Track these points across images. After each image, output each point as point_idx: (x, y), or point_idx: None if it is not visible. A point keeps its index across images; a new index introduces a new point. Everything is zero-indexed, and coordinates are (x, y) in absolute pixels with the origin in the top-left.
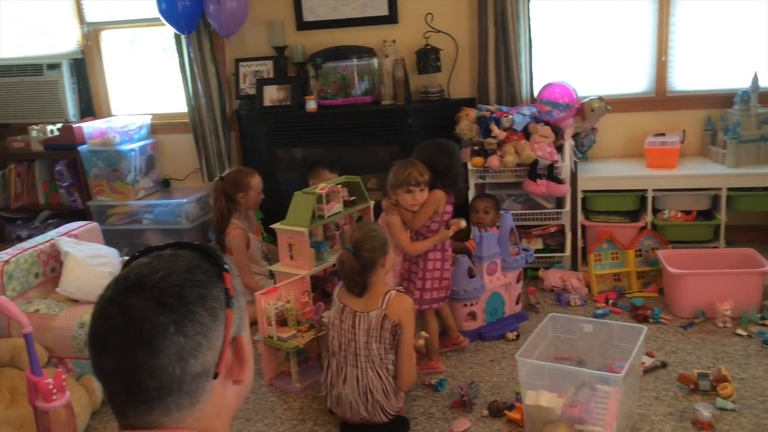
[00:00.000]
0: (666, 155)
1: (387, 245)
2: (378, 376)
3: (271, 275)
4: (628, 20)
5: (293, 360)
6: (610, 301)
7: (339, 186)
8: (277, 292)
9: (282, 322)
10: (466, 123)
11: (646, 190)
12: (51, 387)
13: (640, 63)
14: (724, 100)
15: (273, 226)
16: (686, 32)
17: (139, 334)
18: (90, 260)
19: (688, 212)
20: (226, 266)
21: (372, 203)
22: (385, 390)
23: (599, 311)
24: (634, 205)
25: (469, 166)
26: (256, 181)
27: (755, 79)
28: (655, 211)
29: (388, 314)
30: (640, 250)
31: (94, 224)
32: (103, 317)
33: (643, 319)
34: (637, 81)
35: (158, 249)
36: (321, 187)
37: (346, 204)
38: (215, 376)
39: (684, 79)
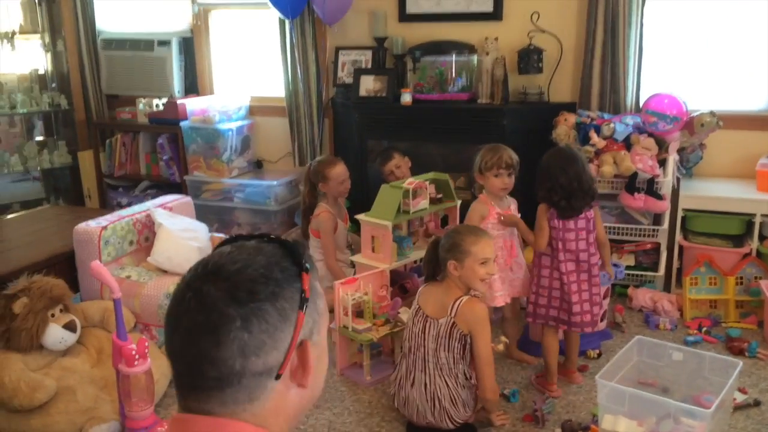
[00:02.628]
0: None
1: (459, 252)
2: (446, 384)
3: (352, 265)
4: (749, 32)
5: (366, 352)
6: (704, 329)
7: (426, 182)
8: (356, 283)
9: (358, 313)
10: (564, 128)
11: (754, 215)
12: (134, 353)
13: (758, 78)
14: None
15: (357, 216)
16: None
17: (206, 322)
18: (181, 233)
19: None
20: (307, 266)
21: (459, 202)
22: (453, 398)
23: (690, 338)
24: (740, 229)
25: None
26: (335, 172)
27: None
28: (762, 238)
29: (457, 322)
30: (741, 278)
31: (187, 198)
32: (179, 299)
33: (738, 352)
34: (754, 97)
35: (245, 238)
36: (408, 182)
37: (433, 201)
38: (278, 377)
39: None
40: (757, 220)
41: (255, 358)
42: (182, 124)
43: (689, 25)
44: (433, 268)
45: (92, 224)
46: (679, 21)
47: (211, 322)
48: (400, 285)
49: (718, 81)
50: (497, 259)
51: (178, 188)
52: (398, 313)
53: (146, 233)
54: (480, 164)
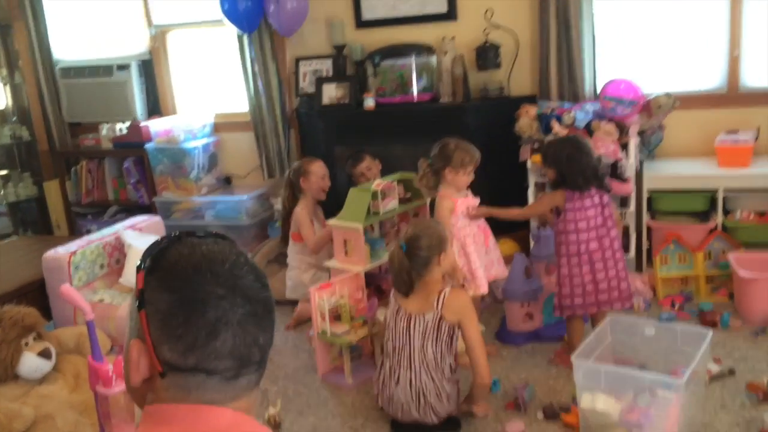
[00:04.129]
0: (738, 153)
1: (444, 242)
2: (432, 379)
3: (327, 270)
4: (698, 13)
5: (346, 355)
6: (677, 305)
7: (394, 183)
8: (332, 287)
9: (336, 317)
10: (526, 120)
11: (716, 190)
12: (111, 373)
13: (710, 58)
14: None
15: (328, 221)
16: (761, 26)
17: (259, 309)
18: None
19: (761, 213)
20: None
21: (428, 200)
22: (438, 393)
23: (665, 315)
24: (704, 205)
25: (529, 164)
26: (316, 167)
27: None
28: (726, 212)
29: (444, 315)
30: (709, 253)
31: (157, 218)
32: (216, 299)
33: (712, 325)
34: (707, 77)
35: (195, 236)
36: (376, 184)
37: (402, 201)
38: None
39: (758, 75)
40: (720, 195)
41: (272, 338)
42: (147, 146)
43: (640, 10)
44: (409, 280)
45: (61, 250)
46: (629, 6)
47: (264, 308)
48: (376, 286)
49: (672, 62)
50: (473, 246)
51: (147, 210)
52: (376, 314)
53: (117, 255)
54: (455, 161)
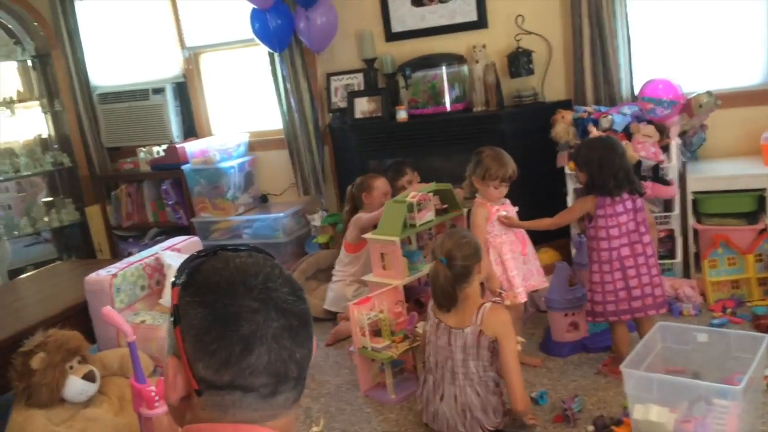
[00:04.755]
0: None
1: (480, 250)
2: (477, 393)
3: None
4: (736, 7)
5: (388, 371)
6: (728, 310)
7: (430, 194)
8: (371, 302)
9: (376, 332)
10: (563, 126)
11: (764, 189)
12: (154, 394)
13: (752, 53)
14: None
15: (365, 236)
16: None
17: (294, 323)
18: None
19: None
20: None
21: (465, 211)
22: (484, 407)
23: (716, 321)
24: (752, 205)
25: (566, 170)
26: (380, 183)
27: None
28: None
29: (483, 330)
30: (760, 255)
31: (195, 238)
32: (250, 313)
33: (766, 329)
34: (749, 73)
35: (230, 250)
36: (412, 196)
37: (438, 212)
38: None
39: None
40: None
41: (310, 354)
42: (184, 167)
43: (674, 7)
44: (454, 294)
45: (102, 273)
46: (663, 4)
47: (300, 322)
48: (415, 299)
49: (711, 60)
50: (509, 254)
51: (186, 232)
52: (416, 327)
53: (157, 276)
54: (484, 172)
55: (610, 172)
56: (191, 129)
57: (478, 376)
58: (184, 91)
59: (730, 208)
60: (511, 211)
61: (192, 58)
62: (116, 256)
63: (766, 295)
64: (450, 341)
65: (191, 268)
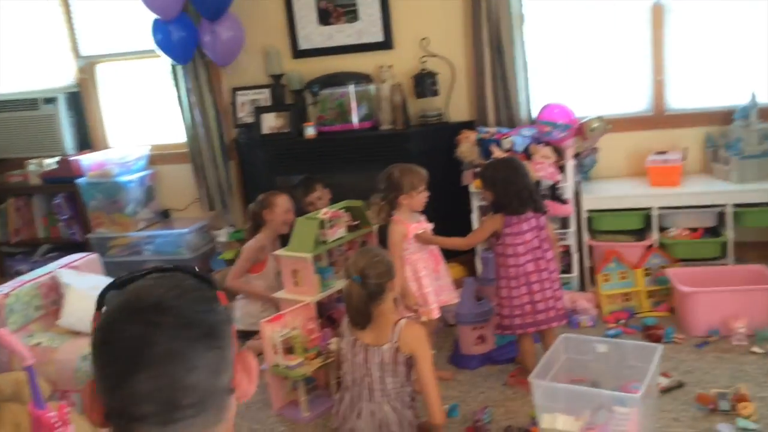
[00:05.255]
0: (669, 173)
1: (393, 268)
2: (393, 409)
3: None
4: (624, 39)
5: (301, 388)
6: (621, 321)
7: (341, 211)
8: (283, 319)
9: (289, 349)
10: (467, 145)
11: (650, 209)
12: (54, 420)
13: (637, 82)
14: (721, 117)
15: (276, 252)
16: (681, 50)
17: (174, 350)
18: (91, 291)
19: (694, 230)
20: (214, 283)
21: (375, 227)
22: (401, 422)
23: (611, 332)
24: (640, 223)
25: (471, 189)
26: (281, 200)
27: (753, 96)
28: (662, 230)
29: (400, 346)
30: (648, 269)
31: (94, 255)
32: (129, 339)
33: (656, 339)
34: (635, 100)
35: (147, 273)
36: (324, 212)
37: (350, 229)
38: (231, 390)
39: (681, 97)
40: (655, 213)
41: (222, 376)
42: (79, 181)
43: (569, 36)
44: (368, 312)
45: None
46: (559, 32)
47: (180, 348)
48: (327, 316)
49: (602, 87)
50: (425, 271)
51: (81, 248)
52: (329, 343)
53: (53, 296)
54: (405, 186)
55: (515, 191)
56: (86, 141)
57: (395, 392)
58: (79, 101)
59: (621, 225)
60: (427, 228)
61: (87, 68)
62: (4, 273)
63: (655, 307)
64: (367, 358)
65: (101, 292)
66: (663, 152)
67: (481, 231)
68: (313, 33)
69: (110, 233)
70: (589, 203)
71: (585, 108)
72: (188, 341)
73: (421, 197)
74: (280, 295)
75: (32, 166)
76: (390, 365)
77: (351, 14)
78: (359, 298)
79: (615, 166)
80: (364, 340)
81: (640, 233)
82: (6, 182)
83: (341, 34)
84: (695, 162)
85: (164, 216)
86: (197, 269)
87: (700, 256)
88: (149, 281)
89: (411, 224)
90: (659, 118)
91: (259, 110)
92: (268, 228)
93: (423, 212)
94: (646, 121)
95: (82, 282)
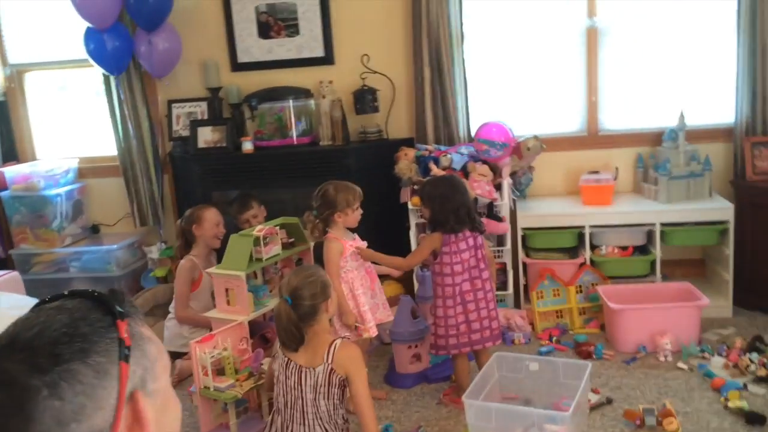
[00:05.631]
0: (601, 192)
1: (328, 288)
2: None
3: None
4: (560, 62)
5: (231, 411)
6: (554, 338)
7: (277, 228)
8: (214, 339)
9: (219, 371)
10: (405, 162)
11: (583, 227)
12: None
13: (572, 103)
14: (652, 138)
15: (208, 270)
16: (615, 72)
17: (9, 401)
18: (7, 312)
19: (624, 248)
20: (123, 311)
21: (312, 244)
22: None
23: (543, 349)
24: (573, 241)
25: (409, 206)
26: (210, 214)
27: (681, 118)
28: (593, 247)
29: (334, 368)
30: (580, 287)
31: (14, 273)
32: None
33: (587, 356)
34: (570, 120)
35: (46, 302)
36: (258, 229)
37: (285, 246)
38: None
39: (614, 119)
40: (587, 231)
41: (76, 425)
42: (2, 194)
43: (508, 56)
44: (299, 334)
45: None
46: (497, 54)
47: (15, 399)
48: (261, 335)
49: (538, 107)
50: (361, 289)
51: (3, 264)
52: (261, 364)
53: None
54: (340, 204)
55: (452, 208)
56: (11, 152)
57: (328, 414)
58: (5, 111)
59: (555, 243)
60: (362, 245)
61: (15, 76)
62: None
63: (586, 324)
64: (300, 380)
65: None
66: (595, 172)
67: (421, 251)
68: (252, 46)
69: (34, 249)
70: (524, 221)
71: (522, 127)
72: (29, 392)
73: (356, 215)
74: (211, 314)
75: None
76: (324, 387)
77: (292, 28)
78: (288, 319)
79: (550, 184)
80: (297, 361)
81: (573, 251)
82: None
83: (282, 48)
84: (627, 182)
85: (94, 231)
86: (110, 294)
87: (629, 273)
88: (29, 313)
89: (347, 241)
90: (593, 138)
91: (195, 123)
92: (199, 244)
93: (356, 230)
94: (580, 141)
95: (1, 301)
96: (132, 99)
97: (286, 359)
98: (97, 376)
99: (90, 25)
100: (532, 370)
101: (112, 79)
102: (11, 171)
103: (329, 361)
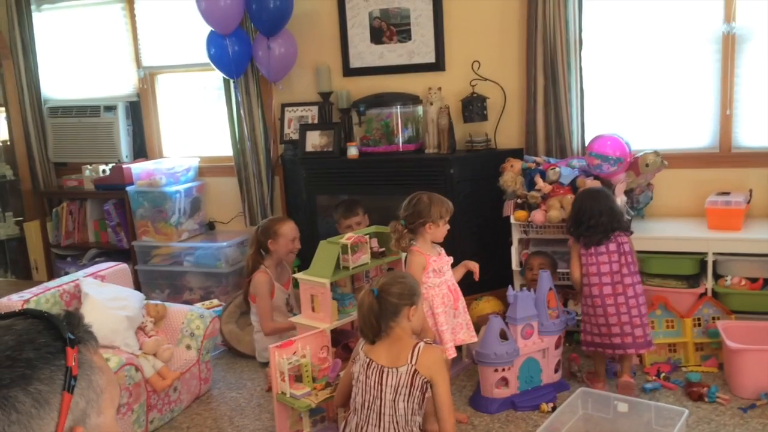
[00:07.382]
0: (729, 216)
1: (416, 296)
2: None
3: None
4: (690, 71)
5: (306, 419)
6: (663, 375)
7: (367, 236)
8: (293, 345)
9: (297, 378)
10: (511, 174)
11: (706, 254)
12: None
13: (702, 116)
14: None
15: (295, 275)
16: (754, 85)
17: None
18: (108, 303)
19: (754, 280)
20: (74, 338)
21: (404, 255)
22: None
23: (648, 386)
24: (693, 269)
25: (512, 220)
26: (286, 229)
27: None
28: (717, 277)
29: (418, 369)
30: (698, 319)
31: (123, 266)
32: None
33: (698, 398)
34: (699, 135)
35: (2, 318)
36: (347, 237)
37: (375, 255)
38: None
39: (751, 135)
40: (710, 259)
41: None
42: (128, 188)
43: (629, 65)
44: (377, 325)
45: (14, 298)
46: (618, 60)
47: None
48: (344, 344)
49: (663, 119)
50: (441, 308)
51: (126, 255)
52: (339, 375)
53: (75, 304)
54: (433, 215)
55: (588, 217)
56: (142, 149)
57: (405, 418)
58: (137, 110)
59: (672, 269)
60: (446, 261)
61: (147, 78)
62: (53, 274)
63: (703, 361)
64: (381, 380)
65: None
66: (725, 193)
67: (574, 262)
68: (364, 51)
69: (154, 242)
70: (639, 243)
71: (642, 141)
72: None
73: (444, 228)
74: (296, 320)
75: (87, 171)
76: (405, 388)
77: (404, 34)
78: (371, 309)
79: (673, 204)
80: (379, 361)
81: (693, 279)
82: (63, 186)
83: (393, 53)
84: (762, 206)
85: (209, 228)
86: (63, 318)
87: (757, 309)
88: None
89: (431, 256)
90: (724, 156)
91: (305, 127)
92: (271, 257)
93: (463, 240)
94: (710, 158)
95: (102, 292)
96: (248, 102)
97: (368, 360)
98: (35, 405)
99: (214, 30)
100: (620, 411)
101: (231, 83)
102: (137, 167)
103: (413, 362)
